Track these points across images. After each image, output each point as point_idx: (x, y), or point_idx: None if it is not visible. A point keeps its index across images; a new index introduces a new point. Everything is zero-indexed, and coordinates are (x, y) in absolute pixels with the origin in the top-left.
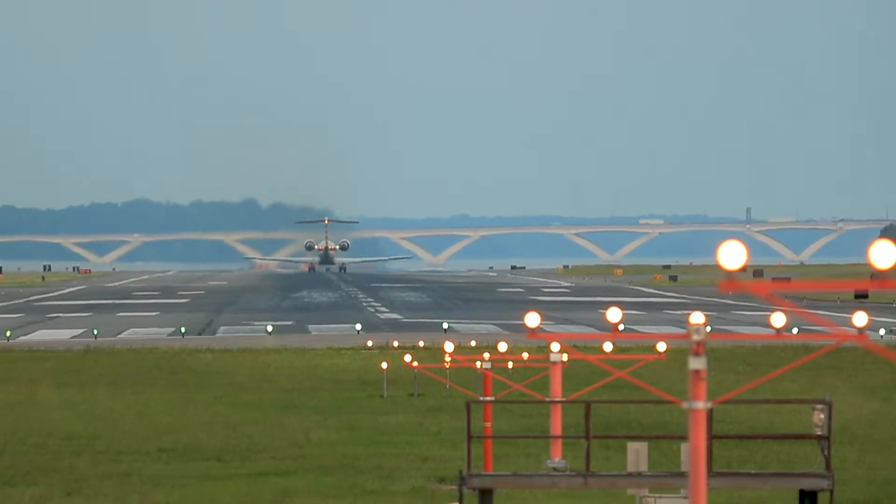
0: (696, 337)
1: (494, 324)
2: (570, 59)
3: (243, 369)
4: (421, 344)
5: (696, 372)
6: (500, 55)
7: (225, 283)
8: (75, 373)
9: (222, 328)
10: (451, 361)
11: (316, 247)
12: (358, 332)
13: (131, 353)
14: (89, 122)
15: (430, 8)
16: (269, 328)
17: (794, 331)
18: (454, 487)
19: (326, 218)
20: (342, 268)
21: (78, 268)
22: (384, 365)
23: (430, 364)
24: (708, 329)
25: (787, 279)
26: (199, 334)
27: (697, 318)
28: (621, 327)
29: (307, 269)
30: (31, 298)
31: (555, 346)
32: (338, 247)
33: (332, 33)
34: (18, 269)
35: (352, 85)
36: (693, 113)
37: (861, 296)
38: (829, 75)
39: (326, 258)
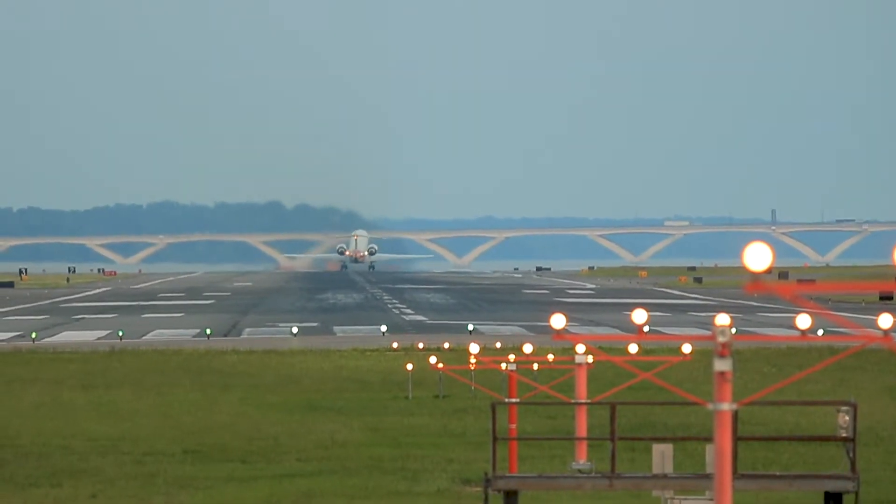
0: (721, 339)
1: (519, 325)
2: (593, 59)
3: (268, 370)
4: (446, 345)
5: (722, 373)
6: (525, 56)
7: (250, 284)
8: (100, 374)
9: (247, 329)
10: (476, 363)
11: (347, 252)
12: (383, 333)
13: (156, 354)
14: (114, 123)
15: (454, 10)
16: (295, 329)
17: (820, 332)
18: (479, 489)
19: (355, 234)
20: (371, 266)
21: (103, 269)
22: (409, 366)
23: (456, 366)
24: (733, 331)
25: (813, 281)
26: (225, 336)
27: (722, 319)
28: (646, 329)
29: (339, 268)
30: (57, 300)
31: (580, 348)
32: (366, 252)
33: (353, 36)
34: (43, 270)
35: (376, 87)
36: (718, 114)
37: (886, 297)
38: (853, 77)
39: (356, 262)
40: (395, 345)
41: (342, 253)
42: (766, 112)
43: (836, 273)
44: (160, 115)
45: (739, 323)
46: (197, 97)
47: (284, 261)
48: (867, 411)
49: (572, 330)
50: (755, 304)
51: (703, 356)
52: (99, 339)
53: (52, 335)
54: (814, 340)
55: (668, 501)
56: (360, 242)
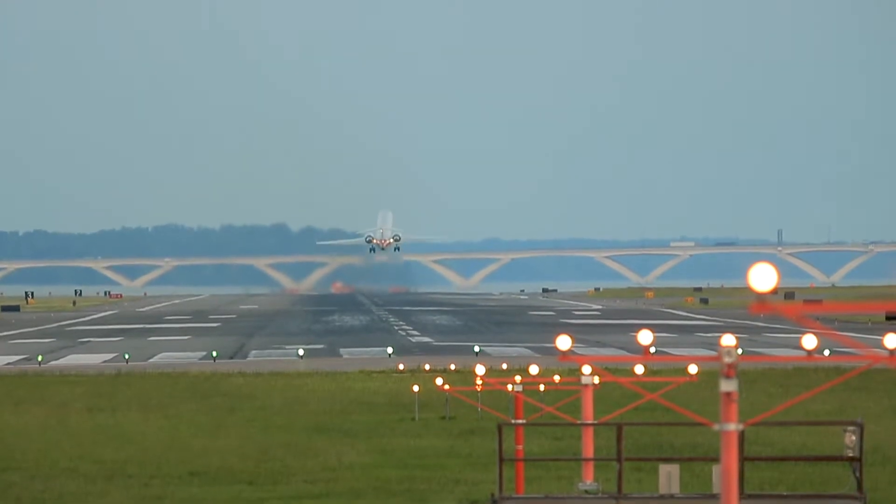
0: (727, 359)
1: (526, 347)
2: (598, 82)
3: (275, 393)
4: (452, 367)
5: (728, 394)
6: (530, 79)
7: (256, 306)
8: (107, 397)
9: (254, 352)
10: (482, 384)
11: (374, 240)
12: (389, 355)
13: (163, 377)
14: (119, 146)
15: (458, 30)
16: (301, 352)
17: (826, 353)
18: None
19: (381, 227)
20: (396, 248)
21: (109, 292)
22: (416, 388)
23: (462, 387)
24: (739, 351)
25: (819, 301)
26: (231, 358)
27: (728, 340)
28: (652, 350)
29: (369, 249)
30: (63, 323)
31: (586, 369)
32: (392, 239)
33: (359, 60)
34: (50, 294)
35: (381, 108)
36: (723, 135)
37: (892, 317)
38: (859, 96)
39: (382, 249)
40: (401, 366)
41: (370, 241)
42: (771, 133)
43: (842, 293)
44: (165, 139)
45: (745, 343)
46: (202, 120)
47: (290, 283)
48: (874, 431)
49: (578, 351)
50: (761, 324)
51: (710, 377)
52: (105, 361)
53: (59, 358)
54: (820, 361)
55: None
56: (385, 233)
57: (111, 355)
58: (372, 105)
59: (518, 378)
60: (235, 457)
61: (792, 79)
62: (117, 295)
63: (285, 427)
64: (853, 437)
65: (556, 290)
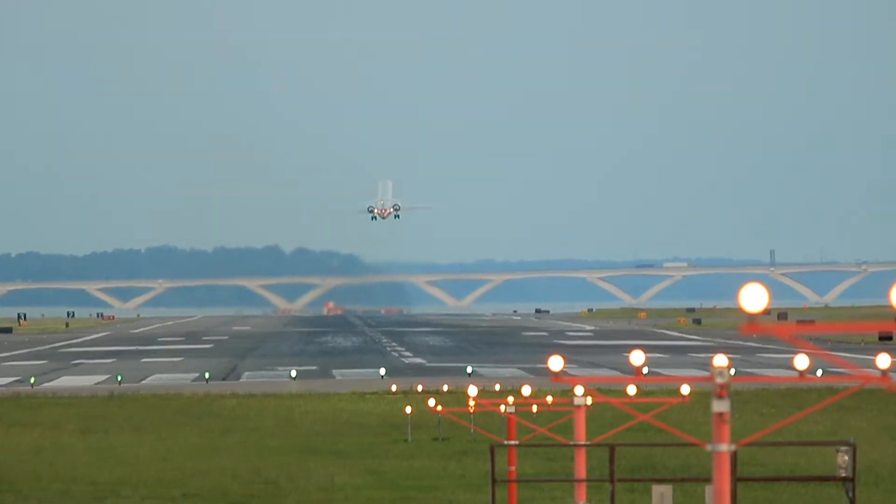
0: (719, 380)
1: (518, 367)
2: (592, 102)
3: (268, 414)
4: (445, 388)
5: (720, 415)
6: (523, 100)
7: (249, 328)
8: (99, 419)
9: (246, 373)
10: (475, 405)
11: (375, 210)
12: (382, 376)
13: (155, 398)
14: (112, 168)
15: (453, 51)
16: (294, 373)
17: (818, 373)
18: None
19: (381, 198)
20: (396, 215)
21: (102, 314)
22: (408, 409)
23: (455, 408)
24: (731, 372)
25: (811, 321)
26: (224, 380)
27: (720, 360)
28: (645, 370)
29: (371, 218)
30: (56, 345)
31: (579, 390)
32: (392, 208)
33: (351, 81)
34: (42, 315)
35: (375, 131)
36: (716, 156)
37: (885, 338)
38: (852, 118)
39: (383, 218)
40: (394, 388)
41: (371, 211)
42: (763, 153)
43: (835, 314)
44: (158, 161)
45: (738, 364)
46: (194, 143)
47: (283, 304)
48: (866, 451)
49: (571, 372)
50: (754, 345)
51: (702, 397)
52: (98, 383)
53: (51, 380)
54: (812, 381)
55: None
56: (385, 203)
57: (104, 377)
58: (366, 128)
59: (511, 399)
60: (228, 478)
61: (783, 100)
62: (110, 317)
63: (278, 448)
64: (846, 457)
65: (548, 311)
